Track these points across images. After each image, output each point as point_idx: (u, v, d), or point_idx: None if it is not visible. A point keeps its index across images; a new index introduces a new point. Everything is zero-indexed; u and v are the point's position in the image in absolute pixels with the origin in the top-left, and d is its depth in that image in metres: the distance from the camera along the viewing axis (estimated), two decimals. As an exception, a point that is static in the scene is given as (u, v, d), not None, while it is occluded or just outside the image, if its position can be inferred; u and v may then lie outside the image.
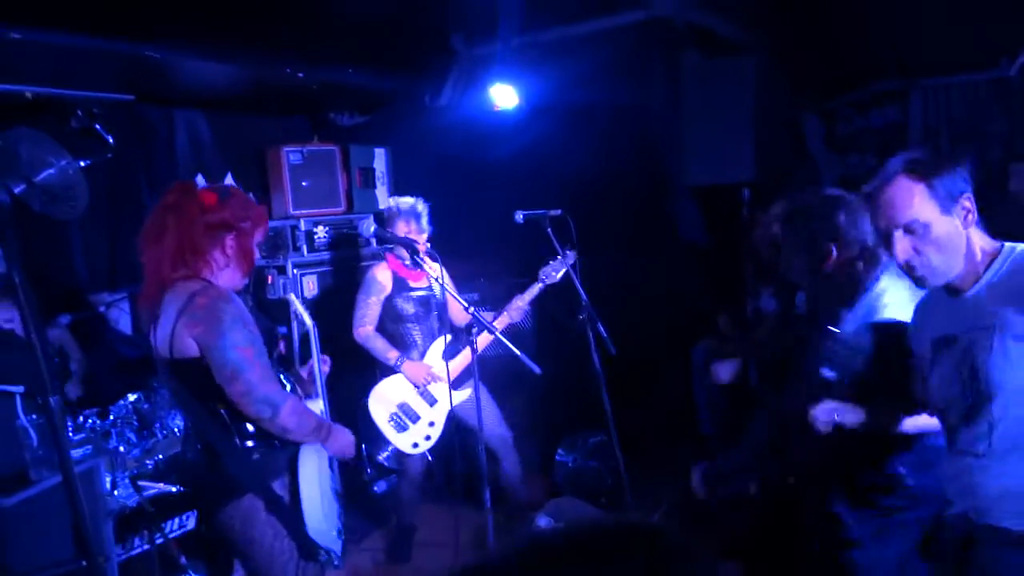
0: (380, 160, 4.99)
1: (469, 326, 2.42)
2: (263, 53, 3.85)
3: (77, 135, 3.81)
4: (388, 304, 3.78)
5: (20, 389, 2.18)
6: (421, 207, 3.79)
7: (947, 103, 4.26)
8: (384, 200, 5.00)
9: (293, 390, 2.44)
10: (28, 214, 3.45)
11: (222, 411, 2.19)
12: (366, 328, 3.78)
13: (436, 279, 2.53)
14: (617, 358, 3.45)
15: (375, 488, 4.65)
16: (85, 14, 3.11)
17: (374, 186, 4.93)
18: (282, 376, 2.45)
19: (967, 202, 1.74)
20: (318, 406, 2.49)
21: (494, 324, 3.58)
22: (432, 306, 3.84)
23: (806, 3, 3.79)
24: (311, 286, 4.58)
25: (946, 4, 3.56)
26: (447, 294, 3.82)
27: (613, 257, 3.73)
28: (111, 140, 3.87)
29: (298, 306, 2.55)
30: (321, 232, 4.62)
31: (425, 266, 2.54)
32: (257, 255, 2.36)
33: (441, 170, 4.78)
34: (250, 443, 2.23)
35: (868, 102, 4.51)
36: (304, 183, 4.63)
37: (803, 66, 4.26)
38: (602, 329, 3.43)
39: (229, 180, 4.71)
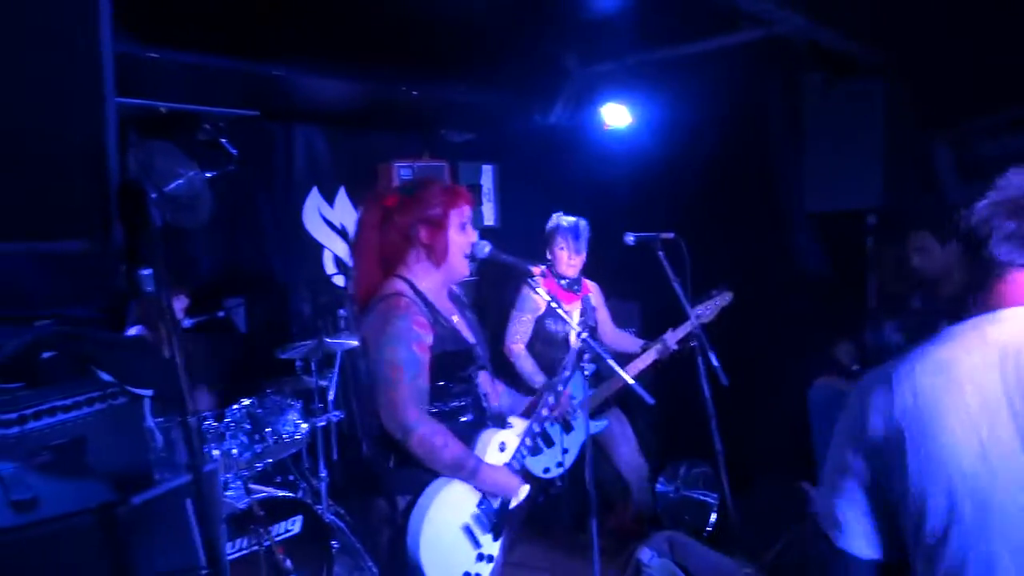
0: (488, 177, 5.03)
1: (580, 352, 2.37)
2: (380, 71, 3.95)
3: (204, 148, 4.01)
4: (539, 325, 3.70)
5: (149, 393, 2.27)
6: (583, 227, 3.70)
7: (1096, 128, 3.92)
8: (490, 216, 5.03)
9: (480, 411, 2.39)
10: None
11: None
12: (518, 345, 3.72)
13: (550, 302, 2.47)
14: (725, 388, 3.33)
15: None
16: (216, 35, 3.26)
17: (481, 203, 4.97)
18: (481, 392, 2.41)
19: None
20: (501, 438, 2.40)
21: (641, 358, 3.51)
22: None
23: (938, 21, 3.57)
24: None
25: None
26: (598, 316, 3.79)
27: (726, 283, 3.59)
28: (235, 153, 4.06)
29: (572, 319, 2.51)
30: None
31: (539, 291, 2.48)
32: (463, 238, 2.31)
33: (548, 188, 4.76)
34: (391, 451, 2.25)
35: (1004, 127, 4.20)
36: (413, 198, 4.70)
37: (933, 87, 4.02)
38: (714, 358, 3.31)
39: (342, 194, 4.85)
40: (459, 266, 2.34)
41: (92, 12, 1.13)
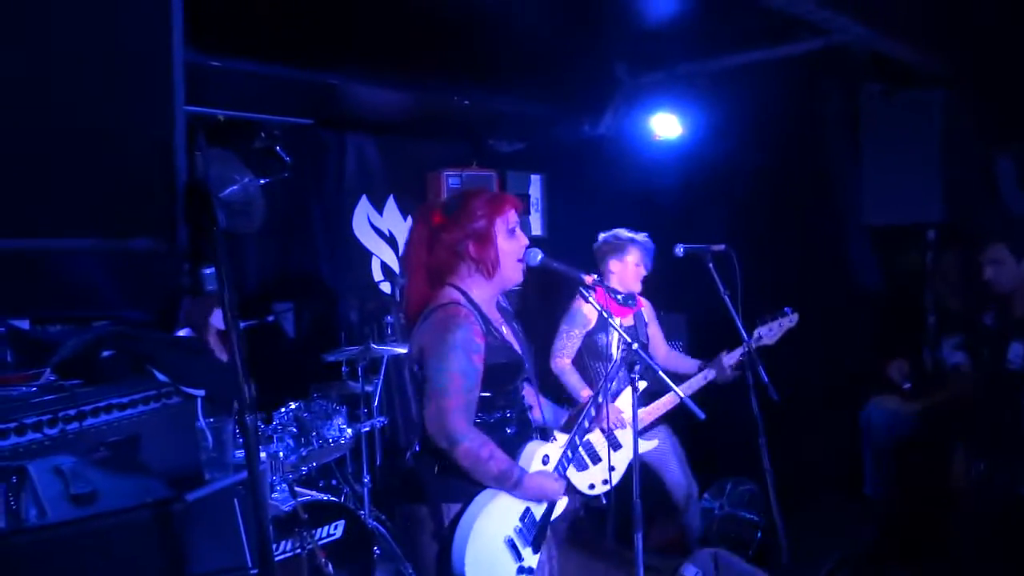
0: (536, 187, 5.04)
1: (632, 363, 2.34)
2: (432, 80, 3.99)
3: (259, 155, 4.09)
4: (589, 339, 3.64)
5: (202, 393, 2.31)
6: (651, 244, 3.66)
7: None
8: (537, 226, 5.03)
9: (524, 423, 2.37)
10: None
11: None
12: (564, 360, 3.67)
13: (601, 312, 2.44)
14: (774, 404, 3.26)
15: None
16: (275, 45, 3.33)
17: (528, 213, 4.97)
18: (528, 405, 2.39)
19: None
20: (545, 450, 2.36)
21: (692, 381, 3.45)
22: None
23: (1002, 32, 3.47)
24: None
25: None
26: (650, 332, 3.74)
27: (779, 297, 3.51)
28: (289, 160, 4.13)
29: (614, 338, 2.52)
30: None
31: (591, 301, 2.46)
32: (513, 243, 2.29)
33: (597, 198, 4.74)
34: (437, 458, 2.22)
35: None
36: (461, 207, 4.72)
37: (996, 98, 3.90)
38: (764, 373, 3.25)
39: (391, 202, 4.90)
40: (512, 273, 2.32)
41: (165, 20, 1.16)
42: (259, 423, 3.47)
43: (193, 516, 1.77)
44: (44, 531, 1.38)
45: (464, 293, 2.28)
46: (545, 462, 2.37)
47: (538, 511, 2.35)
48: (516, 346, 2.38)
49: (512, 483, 2.22)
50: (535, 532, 2.32)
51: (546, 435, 2.46)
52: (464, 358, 2.14)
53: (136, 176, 1.13)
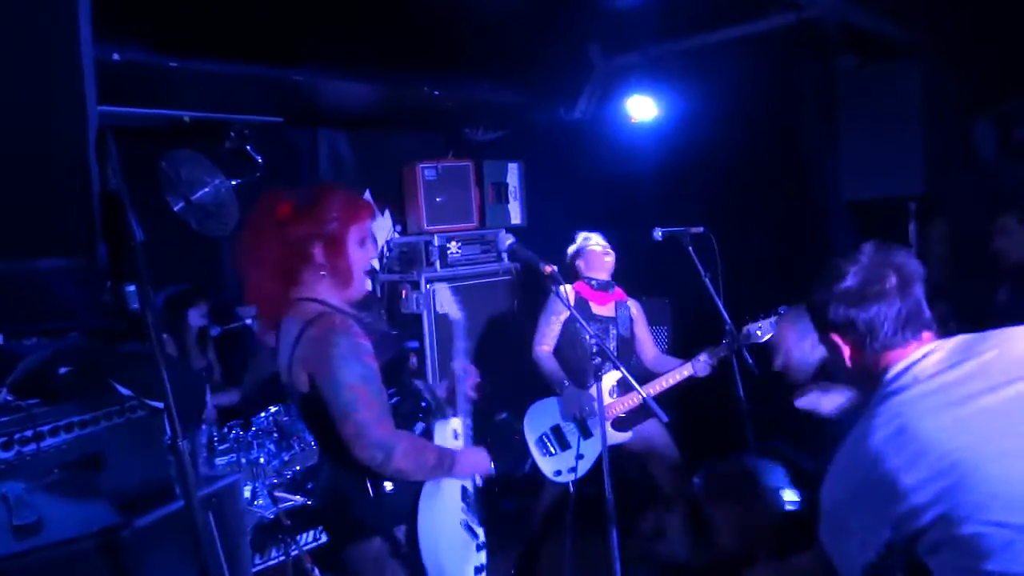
0: (513, 175, 4.96)
1: (593, 357, 2.31)
2: (402, 72, 3.91)
3: (230, 156, 4.01)
4: (566, 328, 3.68)
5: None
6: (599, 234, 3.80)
7: None
8: (516, 215, 4.97)
9: (426, 410, 2.32)
10: (186, 231, 3.67)
11: (344, 448, 2.00)
12: (543, 348, 3.73)
13: (567, 304, 2.39)
14: (759, 385, 3.22)
15: (503, 505, 4.57)
16: (238, 43, 3.24)
17: (507, 201, 4.90)
18: (419, 389, 2.34)
19: None
20: (452, 426, 2.36)
21: (676, 373, 3.44)
22: (611, 336, 3.68)
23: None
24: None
25: None
26: (637, 332, 3.81)
27: (759, 278, 3.47)
28: (260, 160, 4.05)
29: (446, 298, 2.51)
30: (454, 247, 4.64)
31: (562, 289, 2.39)
32: (363, 255, 2.12)
33: (575, 184, 4.68)
34: (372, 484, 2.10)
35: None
36: (438, 199, 4.67)
37: (974, 64, 3.84)
38: (746, 353, 3.23)
39: (367, 198, 4.82)
40: (360, 284, 2.15)
41: (71, 15, 1.08)
42: (238, 429, 3.43)
43: (158, 534, 1.71)
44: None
45: (323, 303, 2.08)
46: (456, 437, 2.34)
47: (470, 486, 2.34)
48: (388, 330, 2.31)
49: (448, 465, 2.13)
50: (477, 504, 2.34)
51: (443, 412, 2.41)
52: (359, 365, 1.96)
53: (46, 189, 1.06)
